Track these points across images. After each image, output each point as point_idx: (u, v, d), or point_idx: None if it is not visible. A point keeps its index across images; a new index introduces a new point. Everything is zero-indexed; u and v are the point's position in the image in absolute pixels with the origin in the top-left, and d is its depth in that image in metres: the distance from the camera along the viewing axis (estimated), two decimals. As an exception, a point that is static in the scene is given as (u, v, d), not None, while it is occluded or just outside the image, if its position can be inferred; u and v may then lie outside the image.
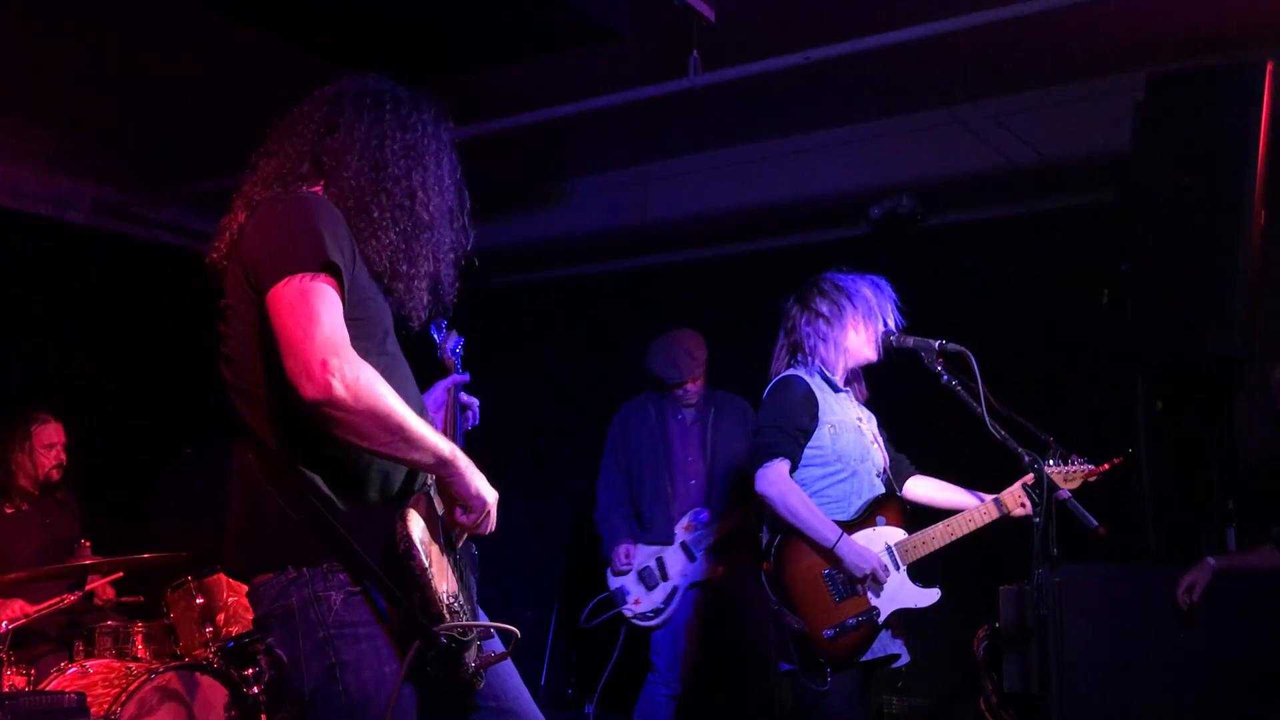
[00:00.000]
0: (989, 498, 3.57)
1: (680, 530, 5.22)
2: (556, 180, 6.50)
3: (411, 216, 2.24)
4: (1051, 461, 3.41)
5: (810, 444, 3.43)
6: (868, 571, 3.30)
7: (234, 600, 4.51)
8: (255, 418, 2.16)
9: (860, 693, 3.42)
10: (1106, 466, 3.56)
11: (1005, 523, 3.56)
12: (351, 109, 2.27)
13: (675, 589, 5.16)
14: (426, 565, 2.08)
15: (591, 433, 5.66)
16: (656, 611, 5.17)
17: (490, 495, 2.21)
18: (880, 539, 3.42)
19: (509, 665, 2.38)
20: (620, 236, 6.50)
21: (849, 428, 3.47)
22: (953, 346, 3.39)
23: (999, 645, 4.95)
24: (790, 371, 3.52)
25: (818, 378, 3.51)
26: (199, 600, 4.51)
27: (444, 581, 2.14)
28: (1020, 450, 3.25)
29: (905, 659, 3.52)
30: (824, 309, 3.52)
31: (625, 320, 6.59)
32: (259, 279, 2.08)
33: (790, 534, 3.37)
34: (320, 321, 2.01)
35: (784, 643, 3.39)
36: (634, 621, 5.20)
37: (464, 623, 2.13)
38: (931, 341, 3.43)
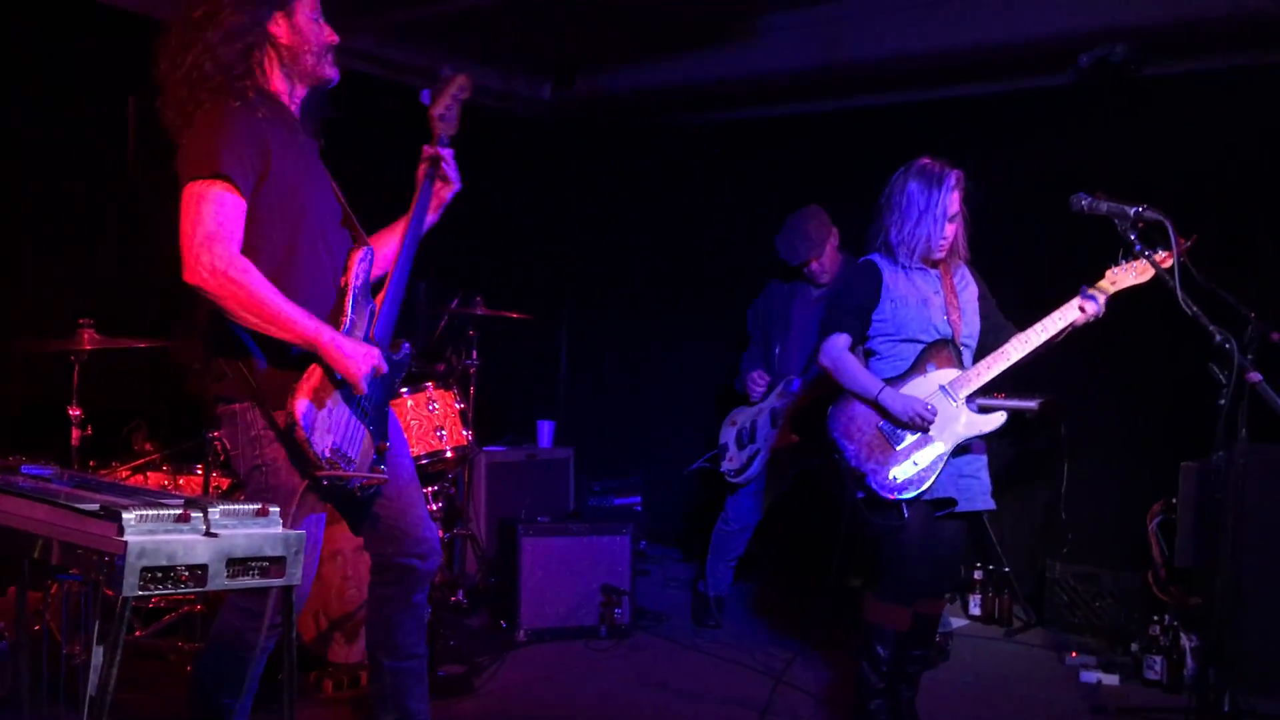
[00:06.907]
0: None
1: (773, 397, 5.38)
2: (747, 16, 6.30)
3: None
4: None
5: (875, 316, 3.77)
6: (911, 416, 3.61)
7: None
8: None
9: (929, 530, 3.71)
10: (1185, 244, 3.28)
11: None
12: None
13: (758, 452, 5.33)
14: (307, 436, 2.64)
15: (768, 279, 5.65)
16: (740, 470, 5.40)
17: (360, 366, 2.67)
18: (932, 382, 3.69)
19: (408, 494, 2.98)
20: (810, 78, 6.30)
21: (912, 303, 3.72)
22: (1151, 214, 3.22)
23: (1173, 521, 4.83)
24: (866, 257, 3.83)
25: (888, 259, 3.75)
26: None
27: (328, 436, 2.68)
28: (1212, 328, 3.09)
29: (977, 507, 3.75)
30: (894, 199, 3.71)
31: (812, 165, 6.46)
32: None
33: (847, 396, 3.76)
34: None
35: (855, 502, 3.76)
36: (728, 478, 5.45)
37: (339, 472, 2.70)
38: (1127, 207, 3.27)
